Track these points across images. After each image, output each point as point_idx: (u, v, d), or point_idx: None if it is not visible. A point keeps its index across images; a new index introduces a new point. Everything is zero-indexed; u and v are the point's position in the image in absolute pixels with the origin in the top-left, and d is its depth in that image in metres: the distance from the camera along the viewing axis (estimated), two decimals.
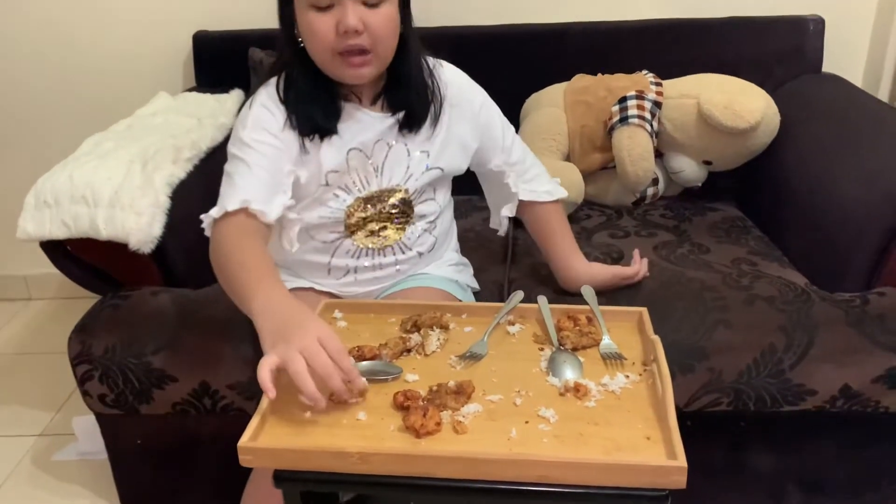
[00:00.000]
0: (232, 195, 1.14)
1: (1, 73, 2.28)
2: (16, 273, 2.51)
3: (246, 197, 1.13)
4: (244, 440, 0.88)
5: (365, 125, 1.25)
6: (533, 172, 1.44)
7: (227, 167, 1.20)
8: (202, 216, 1.16)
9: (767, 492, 1.49)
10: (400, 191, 1.30)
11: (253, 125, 1.20)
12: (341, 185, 1.27)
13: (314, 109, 1.21)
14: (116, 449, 1.53)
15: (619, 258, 1.59)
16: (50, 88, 2.28)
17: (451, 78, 1.34)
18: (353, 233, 1.31)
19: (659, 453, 0.85)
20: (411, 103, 1.27)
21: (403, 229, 1.33)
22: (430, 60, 1.31)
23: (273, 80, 1.24)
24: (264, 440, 0.90)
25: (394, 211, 1.31)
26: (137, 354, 1.40)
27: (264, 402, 0.93)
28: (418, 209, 1.33)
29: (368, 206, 1.30)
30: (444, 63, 1.35)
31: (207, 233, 1.16)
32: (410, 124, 1.28)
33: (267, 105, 1.22)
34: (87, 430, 1.69)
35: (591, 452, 0.86)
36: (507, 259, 1.63)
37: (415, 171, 1.30)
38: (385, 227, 1.32)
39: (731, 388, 1.35)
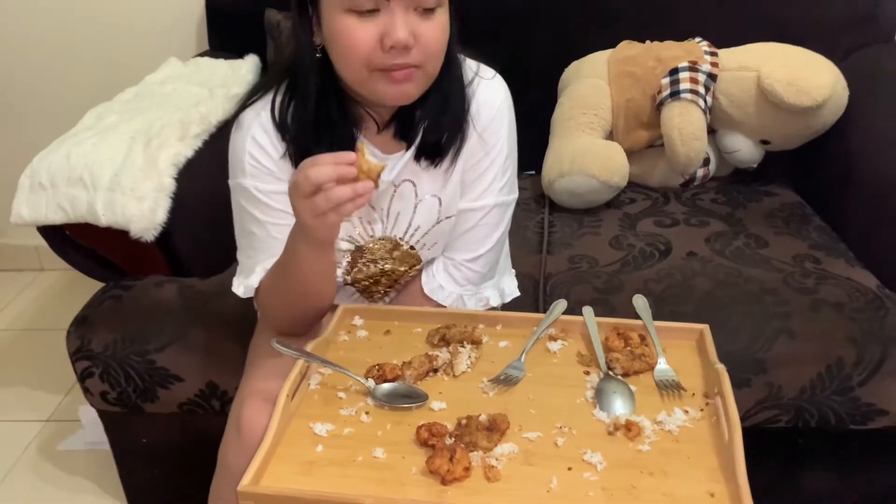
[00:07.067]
0: (254, 268, 1.07)
1: (1, 39, 2.17)
2: (27, 243, 2.42)
3: (268, 265, 1.05)
4: (244, 484, 0.78)
5: None
6: (462, 258, 1.14)
7: (240, 218, 1.08)
8: (234, 289, 1.10)
9: None
10: (402, 246, 1.13)
11: (252, 171, 1.03)
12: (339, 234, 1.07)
13: (318, 149, 0.97)
14: (121, 446, 1.45)
15: (666, 251, 1.44)
16: (54, 52, 2.16)
17: (488, 99, 1.08)
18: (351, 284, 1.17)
19: None
20: (441, 133, 1.04)
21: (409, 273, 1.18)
22: (470, 69, 1.08)
23: (268, 98, 1.04)
24: (268, 481, 0.80)
25: (402, 269, 1.15)
26: (140, 352, 1.30)
27: (268, 439, 0.82)
28: (427, 255, 1.16)
29: (371, 265, 1.14)
30: (490, 74, 1.10)
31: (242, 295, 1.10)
32: (432, 156, 1.06)
33: (259, 140, 1.03)
34: (93, 419, 1.61)
35: None
36: (542, 250, 1.49)
37: (422, 222, 1.11)
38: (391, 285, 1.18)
39: (792, 405, 1.22)
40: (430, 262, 1.16)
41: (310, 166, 0.86)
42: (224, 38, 1.98)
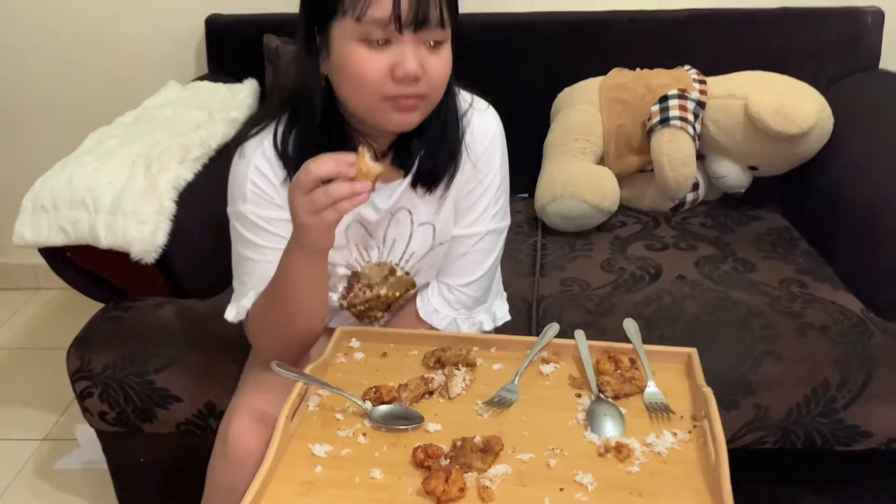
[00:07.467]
0: (247, 292, 1.07)
1: (3, 59, 2.19)
2: (24, 262, 2.42)
3: (261, 289, 1.06)
4: None
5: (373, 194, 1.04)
6: (456, 282, 1.16)
7: (237, 245, 1.08)
8: (226, 315, 1.10)
9: None
10: (398, 279, 1.15)
11: (253, 198, 1.05)
12: (336, 260, 1.11)
13: None
14: (118, 466, 1.46)
15: (656, 274, 1.48)
16: (54, 74, 2.19)
17: (482, 129, 1.11)
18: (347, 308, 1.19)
19: None
20: (436, 161, 1.07)
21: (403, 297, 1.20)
22: (465, 100, 1.11)
23: (270, 129, 1.06)
24: (268, 501, 0.82)
25: (397, 294, 1.17)
26: (139, 372, 1.32)
27: (268, 460, 0.84)
28: (422, 280, 1.17)
29: (366, 290, 1.16)
30: (483, 106, 1.13)
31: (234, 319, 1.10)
32: (427, 183, 1.09)
33: (262, 168, 1.05)
34: (90, 438, 1.61)
35: None
36: (535, 272, 1.52)
37: (417, 248, 1.13)
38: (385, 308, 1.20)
39: (779, 426, 1.25)
40: (425, 286, 1.18)
41: (312, 162, 0.89)
42: (223, 63, 2.01)
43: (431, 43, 0.96)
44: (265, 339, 1.09)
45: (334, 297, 1.15)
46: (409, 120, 1.00)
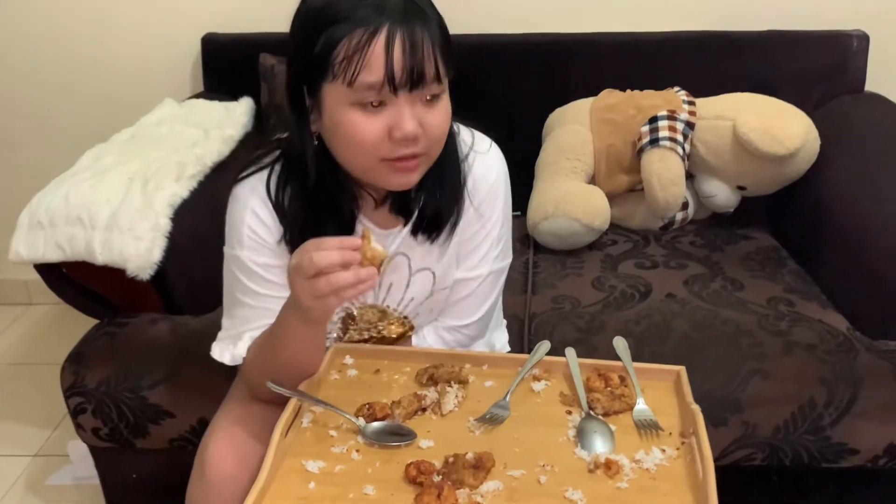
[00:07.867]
0: (242, 336, 1.05)
1: (2, 80, 2.21)
2: (16, 277, 2.41)
3: (256, 335, 1.04)
4: None
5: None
6: (455, 323, 1.14)
7: (233, 289, 1.06)
8: (221, 359, 1.07)
9: None
10: (395, 321, 1.14)
11: (250, 244, 1.02)
12: None
13: (318, 231, 0.96)
14: (111, 482, 1.47)
15: (646, 293, 1.49)
16: (51, 91, 2.20)
17: (484, 174, 1.07)
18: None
19: None
20: (437, 209, 1.04)
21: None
22: (465, 142, 1.07)
23: (262, 175, 1.03)
24: None
25: (394, 335, 1.15)
26: (133, 388, 1.33)
27: (262, 476, 0.85)
28: (421, 322, 1.15)
29: (363, 332, 1.14)
30: (485, 147, 1.09)
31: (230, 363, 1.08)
32: (429, 231, 1.06)
33: (259, 213, 1.02)
34: (82, 454, 1.62)
35: None
36: (527, 290, 1.54)
37: (416, 293, 1.11)
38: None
39: (767, 443, 1.26)
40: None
41: (314, 249, 0.85)
42: (219, 81, 2.02)
43: (428, 97, 0.92)
44: (259, 387, 1.03)
45: (330, 337, 1.14)
46: (410, 180, 0.98)
